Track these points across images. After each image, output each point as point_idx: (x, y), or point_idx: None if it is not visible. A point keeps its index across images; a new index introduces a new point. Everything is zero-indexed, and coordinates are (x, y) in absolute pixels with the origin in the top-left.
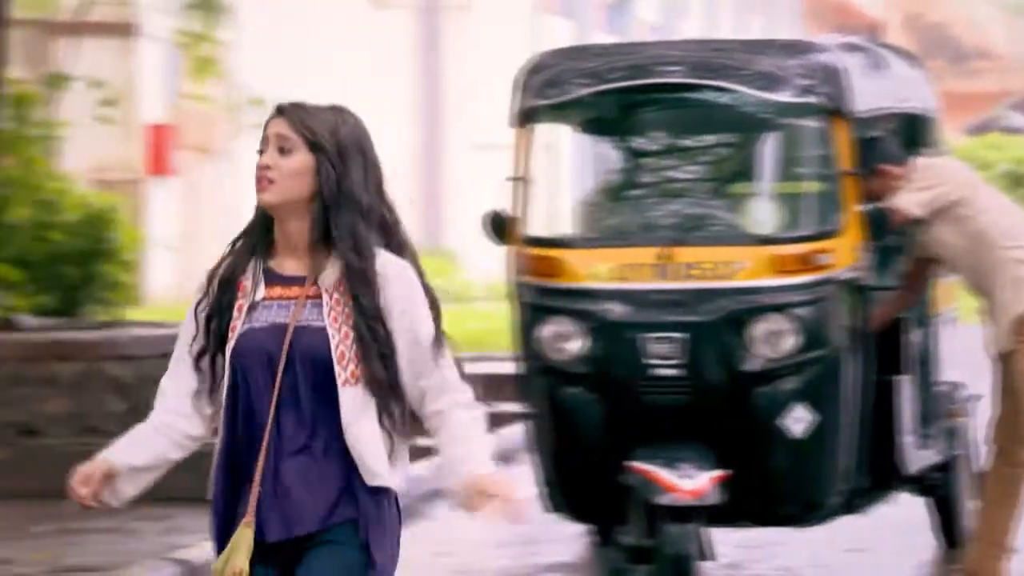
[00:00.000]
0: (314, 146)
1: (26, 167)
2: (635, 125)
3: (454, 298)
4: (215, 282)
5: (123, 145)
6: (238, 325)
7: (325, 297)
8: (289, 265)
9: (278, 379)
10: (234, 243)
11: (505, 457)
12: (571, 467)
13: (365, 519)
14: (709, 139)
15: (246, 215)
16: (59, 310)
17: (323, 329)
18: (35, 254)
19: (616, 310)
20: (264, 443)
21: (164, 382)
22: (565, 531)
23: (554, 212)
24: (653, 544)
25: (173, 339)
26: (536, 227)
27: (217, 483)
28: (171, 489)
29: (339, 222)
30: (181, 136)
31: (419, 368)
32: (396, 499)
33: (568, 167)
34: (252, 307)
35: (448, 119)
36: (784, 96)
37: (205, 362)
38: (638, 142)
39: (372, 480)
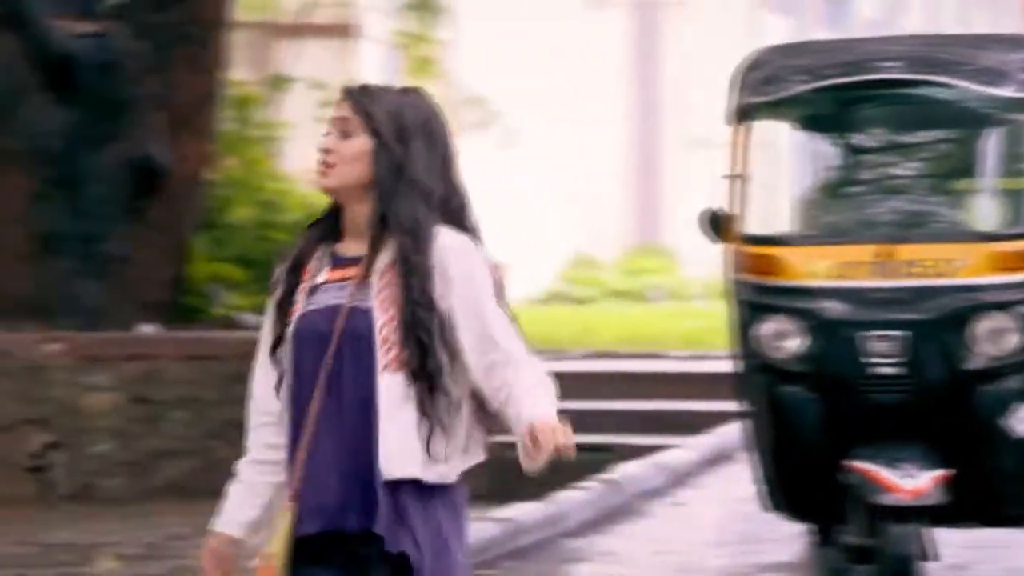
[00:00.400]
0: (373, 130)
1: (248, 168)
2: (854, 121)
3: (671, 296)
4: (284, 269)
5: None
6: (299, 308)
7: (374, 278)
8: (352, 248)
9: (327, 362)
10: (305, 229)
11: (723, 456)
12: (790, 466)
13: (404, 518)
14: (928, 135)
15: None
16: None
17: (369, 311)
18: (257, 254)
19: (835, 308)
20: (307, 429)
21: (253, 386)
22: (784, 530)
23: (772, 210)
24: (874, 544)
25: None
26: (754, 225)
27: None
28: None
29: (395, 206)
30: None
31: (484, 345)
32: (451, 491)
33: (786, 164)
34: (313, 290)
35: (664, 116)
36: (1007, 91)
37: (279, 352)
38: (857, 139)
39: (391, 472)
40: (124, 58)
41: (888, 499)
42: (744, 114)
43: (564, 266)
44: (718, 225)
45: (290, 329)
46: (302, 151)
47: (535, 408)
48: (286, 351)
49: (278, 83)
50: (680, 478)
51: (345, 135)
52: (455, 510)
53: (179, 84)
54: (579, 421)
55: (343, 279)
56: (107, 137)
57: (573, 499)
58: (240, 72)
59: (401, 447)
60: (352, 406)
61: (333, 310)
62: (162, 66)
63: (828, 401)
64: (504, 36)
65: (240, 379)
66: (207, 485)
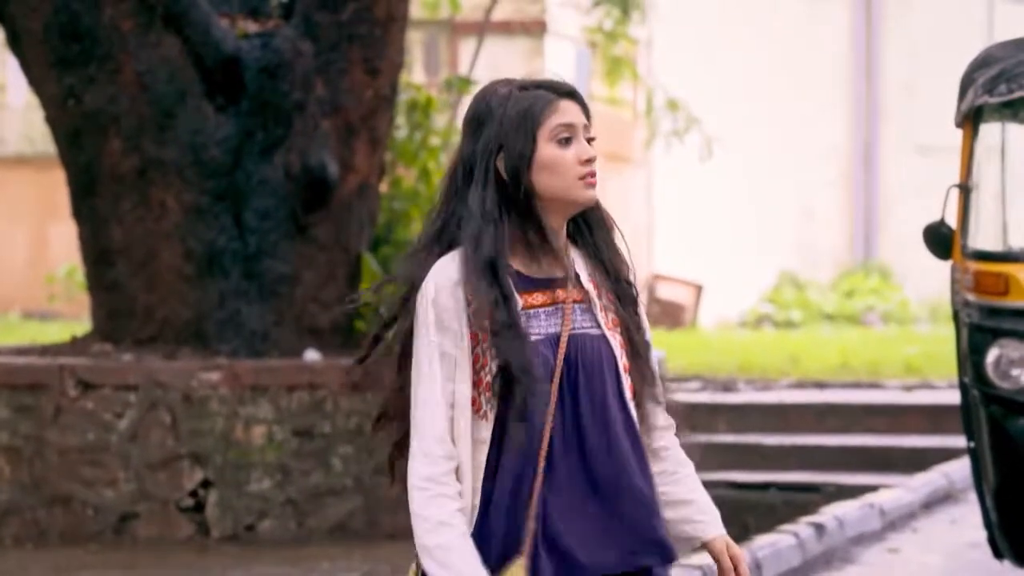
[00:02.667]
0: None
1: (424, 179)
2: None
3: (890, 319)
4: (493, 291)
5: None
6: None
7: (594, 300)
8: (540, 267)
9: (552, 399)
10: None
11: (945, 497)
12: (1022, 509)
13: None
14: None
15: (665, 229)
16: None
17: (602, 337)
18: None
19: None
20: (540, 476)
21: (432, 422)
22: None
23: (1005, 222)
24: None
25: None
26: (984, 240)
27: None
28: None
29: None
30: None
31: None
32: None
33: (1021, 172)
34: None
35: (887, 119)
36: None
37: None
38: None
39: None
40: (292, 60)
41: None
42: (975, 117)
43: (771, 286)
44: (944, 240)
45: (520, 361)
46: None
47: (716, 522)
48: (517, 388)
49: (458, 85)
50: (896, 521)
51: (589, 143)
52: None
53: (350, 88)
54: (786, 457)
55: (550, 303)
56: (273, 146)
57: (776, 544)
58: (416, 74)
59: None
60: (600, 446)
61: (554, 339)
62: (332, 68)
63: None
64: (705, 34)
65: None
66: (371, 527)
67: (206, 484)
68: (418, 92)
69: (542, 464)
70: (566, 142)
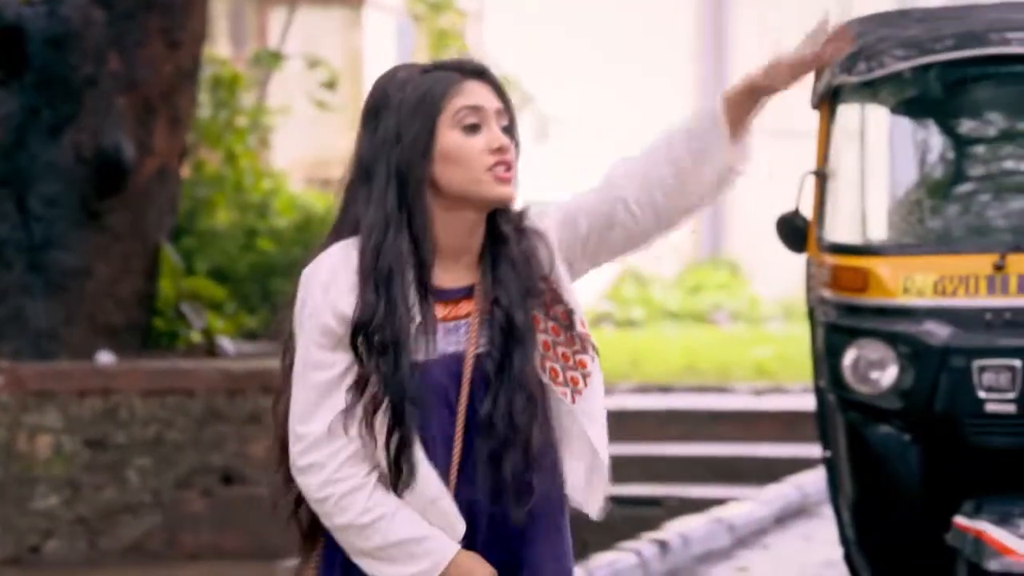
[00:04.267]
0: (513, 122)
1: (230, 163)
2: (966, 106)
3: (739, 317)
4: (377, 302)
5: (345, 136)
6: (416, 357)
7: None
8: (448, 276)
9: (457, 431)
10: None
11: (799, 511)
12: (881, 523)
13: None
14: None
15: None
16: (267, 333)
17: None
18: (240, 266)
19: (940, 332)
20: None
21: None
22: None
23: (864, 213)
24: None
25: None
26: (841, 232)
27: None
28: None
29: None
30: None
31: (584, 208)
32: None
33: (882, 158)
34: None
35: None
36: None
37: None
38: (970, 127)
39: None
40: (81, 30)
41: (1001, 564)
42: (832, 97)
43: (611, 283)
44: (798, 232)
45: (405, 386)
46: (295, 143)
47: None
48: (407, 414)
49: (268, 60)
50: (746, 538)
51: (508, 134)
52: None
53: (148, 61)
54: (626, 468)
55: (452, 318)
56: (61, 125)
57: (616, 564)
58: (221, 47)
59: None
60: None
61: (455, 360)
62: (127, 39)
63: (929, 445)
64: (541, 7)
65: (217, 417)
66: (171, 546)
67: None
68: (223, 67)
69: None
70: (473, 129)
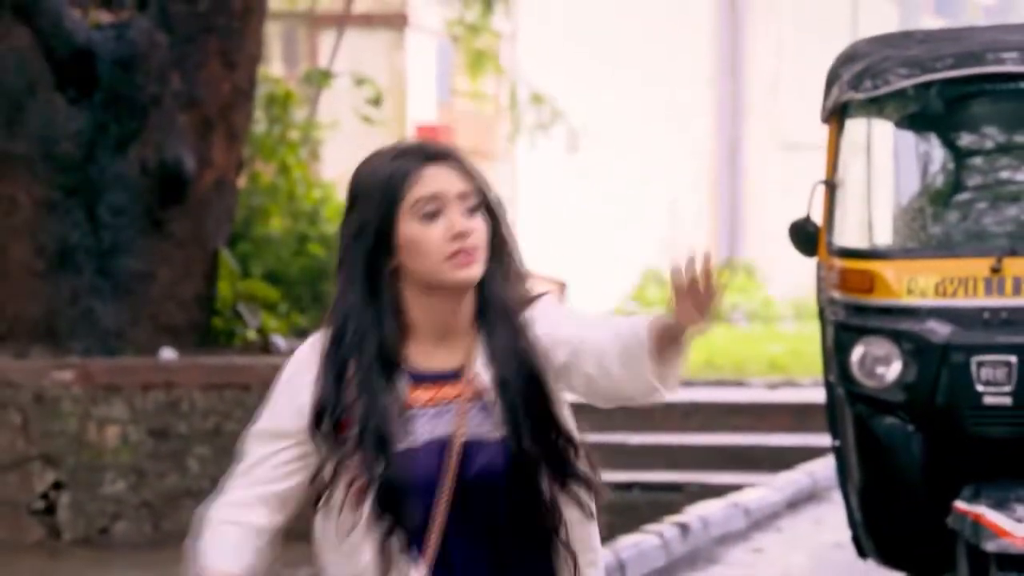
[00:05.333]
0: (488, 207)
1: (283, 174)
2: (965, 120)
3: (754, 317)
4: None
5: None
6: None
7: (491, 397)
8: (436, 358)
9: (436, 519)
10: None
11: (810, 496)
12: (887, 508)
13: None
14: None
15: (528, 226)
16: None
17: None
18: (292, 270)
19: (941, 330)
20: None
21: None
22: None
23: (870, 219)
24: None
25: None
26: (849, 237)
27: None
28: None
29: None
30: (454, 138)
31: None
32: None
33: (887, 168)
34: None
35: (751, 115)
36: None
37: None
38: (968, 139)
39: None
40: (146, 52)
41: (999, 545)
42: (840, 113)
43: (636, 284)
44: (809, 237)
45: (378, 473)
46: (343, 155)
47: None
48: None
49: (318, 79)
50: (761, 521)
51: (470, 213)
52: None
53: (207, 81)
54: (650, 456)
55: (433, 403)
56: (127, 140)
57: (641, 544)
58: (275, 67)
59: None
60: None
61: (440, 446)
62: (188, 61)
63: (931, 435)
64: (571, 28)
65: None
66: None
67: (58, 486)
68: (277, 86)
69: None
70: (431, 216)
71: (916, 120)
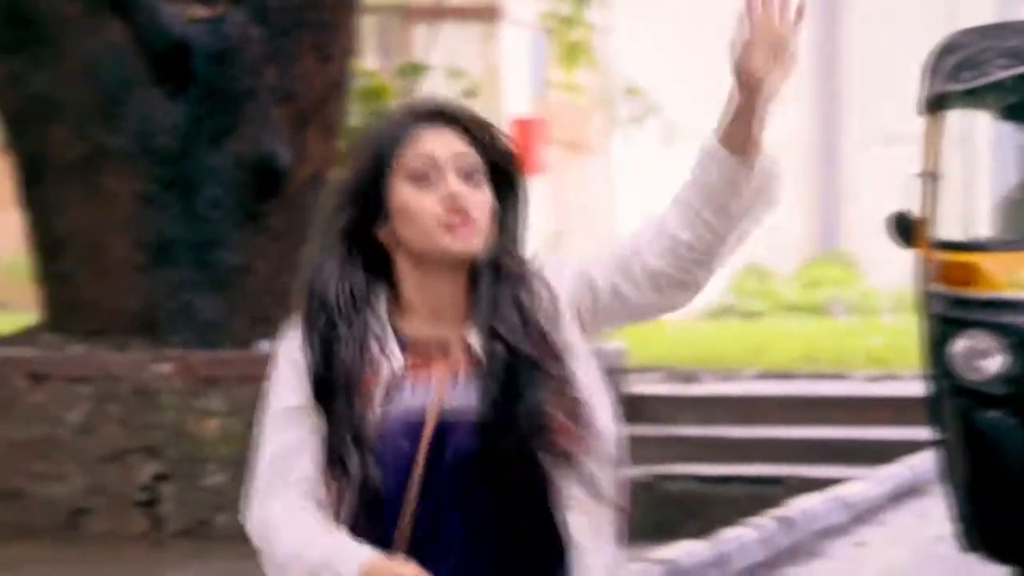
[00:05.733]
0: (500, 176)
1: None
2: None
3: (853, 310)
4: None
5: None
6: (374, 406)
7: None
8: (425, 327)
9: (411, 493)
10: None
11: (912, 490)
12: (991, 501)
13: None
14: None
15: (625, 218)
16: None
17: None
18: None
19: None
20: None
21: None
22: (984, 573)
23: (970, 211)
24: None
25: None
26: (949, 229)
27: None
28: None
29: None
30: (549, 131)
31: (626, 260)
32: None
33: (986, 160)
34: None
35: (848, 108)
36: None
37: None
38: None
39: None
40: (241, 46)
41: None
42: (938, 104)
43: (734, 277)
44: (908, 230)
45: (362, 434)
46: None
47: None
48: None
49: (413, 72)
50: (863, 514)
51: (470, 180)
52: None
53: (302, 74)
54: (750, 449)
55: (419, 371)
56: (223, 134)
57: (742, 538)
58: (370, 60)
59: None
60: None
61: (417, 415)
62: (283, 54)
63: None
64: (664, 20)
65: None
66: None
67: (160, 478)
68: (371, 79)
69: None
70: (423, 180)
71: (1015, 110)
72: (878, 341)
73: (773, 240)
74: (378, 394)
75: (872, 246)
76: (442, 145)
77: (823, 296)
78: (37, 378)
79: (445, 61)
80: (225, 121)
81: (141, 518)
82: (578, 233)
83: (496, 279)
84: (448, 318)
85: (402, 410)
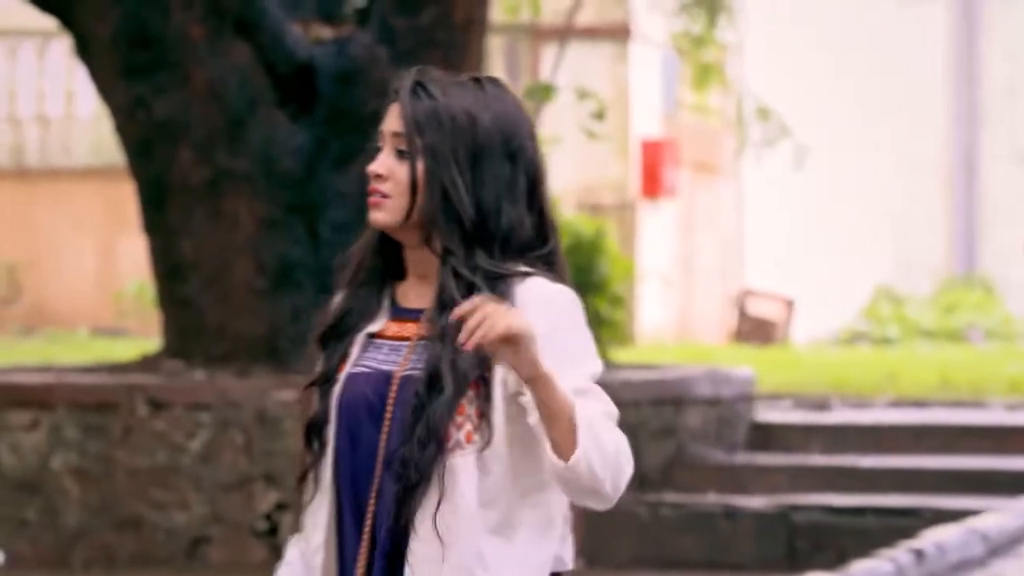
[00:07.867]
0: (429, 147)
1: None
2: None
3: (992, 335)
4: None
5: (614, 163)
6: (346, 365)
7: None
8: (413, 296)
9: (381, 446)
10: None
11: None
12: None
13: None
14: None
15: (755, 242)
16: None
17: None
18: None
19: None
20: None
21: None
22: None
23: None
24: None
25: (665, 384)
26: None
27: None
28: None
29: (458, 251)
30: (679, 153)
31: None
32: None
33: None
34: (367, 342)
35: (988, 125)
36: None
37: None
38: None
39: None
40: (368, 67)
41: None
42: None
43: (866, 302)
44: None
45: (333, 392)
46: (566, 170)
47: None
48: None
49: (540, 92)
50: (1000, 547)
51: (400, 154)
52: None
53: None
54: (883, 480)
55: (399, 337)
56: (348, 157)
57: (875, 570)
58: None
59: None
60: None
61: (383, 378)
62: None
63: None
64: (797, 39)
65: None
66: None
67: (280, 506)
68: None
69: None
70: (378, 151)
71: None
72: (1017, 368)
73: (907, 263)
74: (355, 352)
75: (1012, 270)
76: (389, 122)
77: (960, 321)
78: (158, 405)
79: (574, 81)
80: (350, 144)
81: (261, 547)
82: (707, 254)
83: (450, 268)
84: (430, 281)
85: (370, 367)
